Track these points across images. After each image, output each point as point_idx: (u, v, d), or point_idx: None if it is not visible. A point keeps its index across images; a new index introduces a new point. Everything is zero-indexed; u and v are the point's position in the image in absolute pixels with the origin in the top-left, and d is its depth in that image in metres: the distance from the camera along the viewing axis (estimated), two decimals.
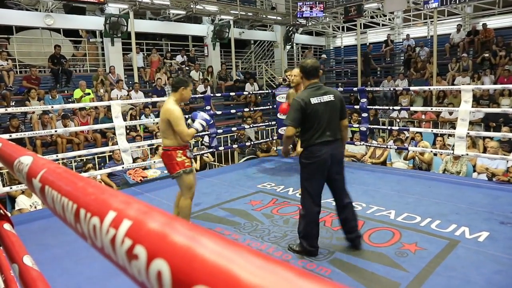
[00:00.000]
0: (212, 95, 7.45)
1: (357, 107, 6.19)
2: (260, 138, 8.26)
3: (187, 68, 11.93)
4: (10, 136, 4.39)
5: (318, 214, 2.90)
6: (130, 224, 0.36)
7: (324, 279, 0.21)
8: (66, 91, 9.43)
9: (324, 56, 14.95)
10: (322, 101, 2.77)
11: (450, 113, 8.67)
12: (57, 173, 0.60)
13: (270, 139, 7.29)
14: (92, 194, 0.46)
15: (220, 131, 6.67)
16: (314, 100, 2.76)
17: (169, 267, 0.29)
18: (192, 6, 10.85)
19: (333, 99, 2.82)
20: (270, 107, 8.04)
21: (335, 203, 2.99)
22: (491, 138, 5.90)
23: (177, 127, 3.06)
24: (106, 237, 0.38)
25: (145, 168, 5.72)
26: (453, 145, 5.04)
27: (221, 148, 6.55)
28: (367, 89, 6.27)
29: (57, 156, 5.13)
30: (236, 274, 0.24)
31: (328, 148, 2.77)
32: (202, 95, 7.46)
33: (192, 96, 9.47)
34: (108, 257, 0.38)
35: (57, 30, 11.15)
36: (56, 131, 6.22)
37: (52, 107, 5.74)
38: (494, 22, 12.40)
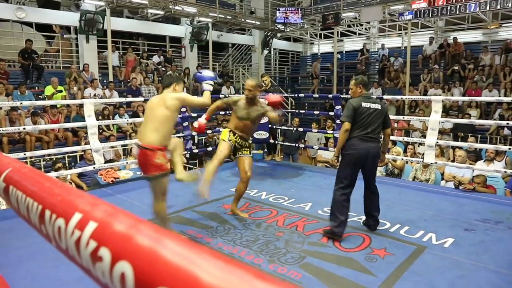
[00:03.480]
0: None
1: (331, 113, 6.29)
2: None
3: (163, 68, 11.80)
4: None
5: (343, 197, 3.27)
6: (95, 226, 0.36)
7: (280, 280, 0.22)
8: (37, 88, 9.14)
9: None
10: (371, 107, 3.30)
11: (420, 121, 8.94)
12: (22, 172, 0.59)
13: None
14: (58, 195, 0.45)
15: (194, 133, 6.63)
16: (364, 104, 3.29)
17: (132, 269, 0.29)
18: (170, 6, 10.76)
19: (379, 108, 3.33)
20: None
21: (364, 190, 3.45)
22: (461, 148, 6.13)
23: (194, 101, 3.16)
24: (70, 239, 0.38)
25: (118, 169, 5.60)
26: (423, 154, 5.20)
27: (196, 150, 6.50)
28: (342, 96, 6.38)
29: (25, 154, 4.96)
30: (197, 276, 0.25)
31: (366, 144, 3.25)
32: None
33: None
34: (73, 259, 0.38)
35: (29, 24, 10.80)
36: (24, 128, 6.01)
37: (21, 103, 5.55)
38: (464, 37, 12.94)
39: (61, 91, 8.53)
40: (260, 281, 0.22)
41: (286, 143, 7.46)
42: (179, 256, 0.26)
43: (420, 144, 6.61)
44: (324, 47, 17.15)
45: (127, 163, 5.79)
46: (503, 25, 12.77)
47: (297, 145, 7.21)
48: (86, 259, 0.35)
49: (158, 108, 3.02)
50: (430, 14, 10.34)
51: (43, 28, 11.19)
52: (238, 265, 0.24)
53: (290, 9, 13.77)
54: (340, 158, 3.40)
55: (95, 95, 8.92)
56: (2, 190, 0.60)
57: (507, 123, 6.21)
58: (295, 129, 7.55)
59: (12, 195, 0.55)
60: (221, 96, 9.29)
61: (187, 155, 6.93)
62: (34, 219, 0.45)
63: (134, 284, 0.27)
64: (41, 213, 0.44)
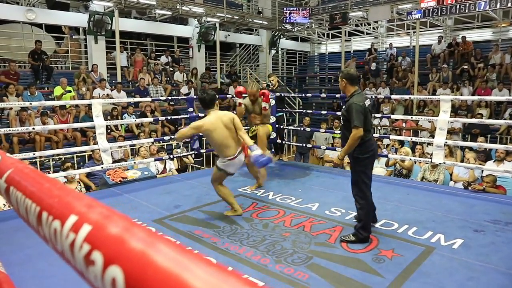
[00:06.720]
0: (195, 97, 7.42)
1: (339, 113, 6.25)
2: None
3: (171, 69, 11.86)
4: None
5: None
6: (90, 228, 0.36)
7: None
8: (46, 88, 9.24)
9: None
10: (367, 104, 3.23)
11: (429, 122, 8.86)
12: (24, 173, 0.58)
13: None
14: (57, 197, 0.45)
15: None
16: (364, 104, 3.20)
17: (123, 275, 0.28)
18: (178, 7, 10.80)
19: (370, 103, 3.30)
20: None
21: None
22: (471, 148, 6.06)
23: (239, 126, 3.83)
24: (66, 241, 0.37)
25: (126, 169, 5.64)
26: (432, 154, 5.15)
27: (203, 150, 6.51)
28: None
29: (34, 154, 5.01)
30: (187, 282, 0.24)
31: (375, 145, 3.34)
32: (186, 97, 7.42)
33: (175, 97, 9.42)
34: (68, 262, 0.37)
35: (38, 25, 10.92)
36: (34, 128, 6.08)
37: (31, 103, 5.61)
38: (473, 36, 12.79)
39: (70, 92, 8.62)
40: None
41: (298, 144, 7.51)
42: (171, 261, 0.25)
43: (429, 144, 6.54)
44: (331, 46, 17.07)
45: (135, 163, 5.82)
46: None
47: (304, 145, 7.19)
48: (80, 263, 0.35)
49: (229, 124, 3.76)
50: (439, 13, 10.23)
51: (52, 29, 11.31)
52: (231, 273, 0.24)
53: (297, 8, 13.73)
54: (352, 163, 3.32)
55: (107, 95, 8.99)
56: (3, 191, 0.60)
57: None
58: (303, 128, 7.56)
59: (12, 196, 0.55)
60: (228, 96, 9.31)
61: (193, 155, 6.95)
62: (32, 220, 0.44)
63: None
64: (39, 214, 0.44)
